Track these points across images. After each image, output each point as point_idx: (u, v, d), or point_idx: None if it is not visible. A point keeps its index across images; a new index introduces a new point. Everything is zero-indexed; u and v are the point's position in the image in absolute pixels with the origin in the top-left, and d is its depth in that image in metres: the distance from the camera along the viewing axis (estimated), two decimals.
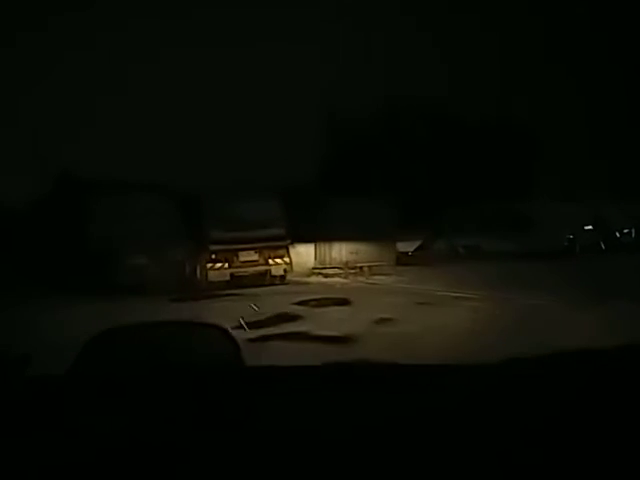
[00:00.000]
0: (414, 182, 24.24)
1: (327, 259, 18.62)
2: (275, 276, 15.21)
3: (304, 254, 18.27)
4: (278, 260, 15.31)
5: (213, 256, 14.47)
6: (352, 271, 16.35)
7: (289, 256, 15.62)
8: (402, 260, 20.13)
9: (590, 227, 23.20)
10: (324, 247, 18.72)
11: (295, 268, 17.18)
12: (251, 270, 14.97)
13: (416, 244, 21.83)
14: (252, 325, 8.16)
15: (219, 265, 14.52)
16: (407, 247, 21.53)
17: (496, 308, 9.28)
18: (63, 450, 0.94)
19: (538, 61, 28.43)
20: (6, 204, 15.00)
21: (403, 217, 20.19)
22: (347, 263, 18.48)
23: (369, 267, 17.78)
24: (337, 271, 16.68)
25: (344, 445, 0.94)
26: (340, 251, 18.70)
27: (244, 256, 14.92)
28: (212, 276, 14.37)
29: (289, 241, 15.60)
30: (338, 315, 9.02)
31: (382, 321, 8.42)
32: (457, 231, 22.10)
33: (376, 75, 25.16)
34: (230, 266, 14.65)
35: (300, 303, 10.60)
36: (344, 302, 10.59)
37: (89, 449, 0.93)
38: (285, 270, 15.40)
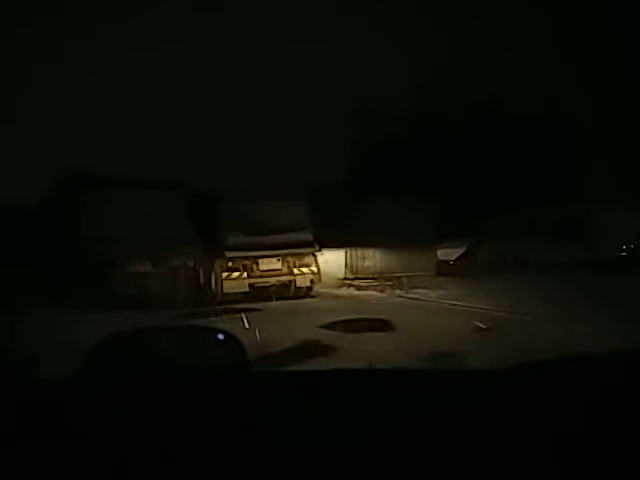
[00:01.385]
0: (454, 183, 21.78)
1: (360, 268, 16.40)
2: (300, 288, 13.04)
3: (334, 262, 16.09)
4: (304, 269, 13.15)
5: (230, 264, 12.40)
6: (388, 283, 14.09)
7: (317, 265, 13.45)
8: (443, 270, 17.86)
9: None
10: (356, 255, 16.51)
11: (323, 278, 14.99)
12: (273, 280, 12.84)
13: (457, 252, 19.45)
14: (265, 360, 5.96)
15: (236, 274, 12.43)
16: (447, 255, 19.23)
17: (586, 338, 6.88)
18: (68, 455, 0.92)
19: (592, 48, 25.69)
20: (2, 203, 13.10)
21: (442, 222, 17.89)
22: (382, 273, 16.25)
23: (407, 278, 15.51)
24: (371, 282, 14.43)
25: (351, 450, 0.93)
26: (374, 259, 16.49)
27: (265, 264, 12.82)
28: (228, 287, 12.28)
29: (317, 248, 13.44)
30: (379, 346, 6.79)
31: (440, 357, 6.18)
32: (504, 238, 19.62)
33: (413, 67, 22.85)
34: (249, 275, 12.56)
35: (329, 326, 8.40)
36: (385, 326, 8.36)
37: (93, 454, 0.92)
38: (312, 281, 13.23)
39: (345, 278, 15.11)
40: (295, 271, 13.08)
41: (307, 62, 23.73)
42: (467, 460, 0.88)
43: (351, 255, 16.49)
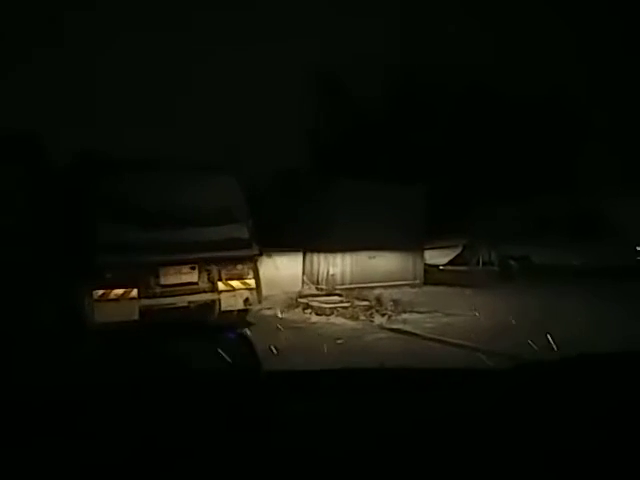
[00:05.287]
0: (440, 169, 16.95)
1: (323, 278, 11.49)
2: (228, 311, 8.05)
3: (287, 270, 11.14)
4: (235, 283, 8.16)
5: (107, 276, 7.33)
6: (363, 302, 9.16)
7: (256, 276, 8.47)
8: (432, 277, 13.13)
9: None
10: (318, 260, 11.61)
11: (272, 292, 10.04)
12: (183, 301, 7.83)
13: (449, 254, 14.73)
14: None
15: (119, 293, 7.38)
16: (437, 258, 14.51)
17: None
18: (78, 455, 0.88)
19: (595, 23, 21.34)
20: None
21: (431, 215, 13.16)
22: (354, 284, 11.38)
23: (389, 292, 10.68)
24: (338, 301, 9.49)
25: (363, 449, 0.90)
26: (343, 265, 11.60)
27: (170, 276, 7.79)
28: (102, 314, 7.19)
29: (256, 250, 8.46)
30: None
31: None
32: (503, 237, 14.95)
33: (394, 33, 17.97)
34: (143, 294, 7.52)
35: None
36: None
37: (102, 453, 0.88)
38: (247, 300, 8.22)
39: (301, 295, 10.14)
40: (221, 286, 8.07)
41: (269, 31, 18.70)
42: (471, 459, 0.85)
43: (312, 261, 11.59)
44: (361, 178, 12.76)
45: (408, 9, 18.50)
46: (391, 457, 0.87)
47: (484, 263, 13.85)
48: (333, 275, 11.39)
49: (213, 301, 8.01)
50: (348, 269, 11.59)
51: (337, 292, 10.19)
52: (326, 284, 11.32)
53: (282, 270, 10.94)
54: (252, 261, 8.44)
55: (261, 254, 8.93)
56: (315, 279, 11.49)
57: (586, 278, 12.92)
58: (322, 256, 11.47)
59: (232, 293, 8.12)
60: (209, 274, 8.03)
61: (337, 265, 11.47)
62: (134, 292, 7.46)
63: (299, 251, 11.37)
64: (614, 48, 21.07)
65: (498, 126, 17.71)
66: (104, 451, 0.88)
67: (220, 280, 8.08)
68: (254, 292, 8.29)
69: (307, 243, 11.32)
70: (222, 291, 8.06)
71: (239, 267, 8.20)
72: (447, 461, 0.85)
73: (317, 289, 11.13)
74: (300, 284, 11.20)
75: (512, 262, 14.51)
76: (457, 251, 14.59)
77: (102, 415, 0.95)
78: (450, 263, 14.22)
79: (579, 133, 19.92)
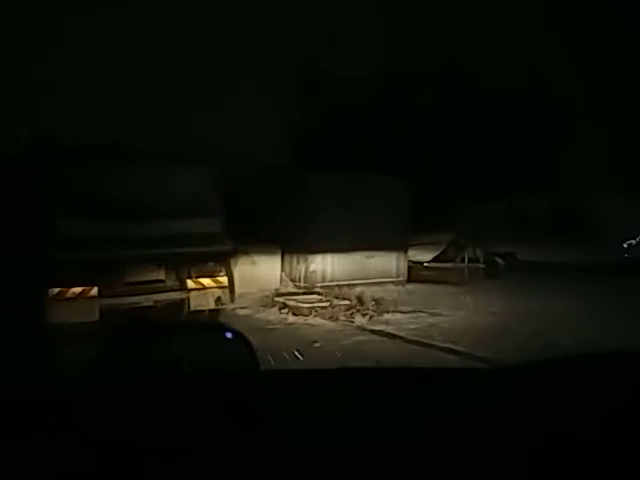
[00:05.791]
0: (424, 164, 16.48)
1: (303, 275, 10.94)
2: (198, 311, 7.46)
3: (266, 267, 10.57)
4: (206, 281, 7.57)
5: (66, 273, 6.70)
6: (344, 302, 8.61)
7: (229, 273, 7.88)
8: (416, 274, 12.67)
9: None
10: (298, 256, 11.05)
11: (246, 290, 9.48)
12: (148, 300, 7.21)
13: (433, 250, 14.27)
14: None
15: (76, 291, 6.75)
16: (420, 255, 14.06)
17: None
18: (76, 454, 0.87)
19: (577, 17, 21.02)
20: None
21: (414, 210, 12.69)
22: (335, 281, 10.84)
23: (371, 290, 10.15)
24: (316, 300, 8.92)
25: (362, 447, 0.89)
26: (324, 262, 11.05)
27: (135, 273, 7.18)
28: (59, 314, 6.56)
29: (229, 246, 7.86)
30: None
31: None
32: (488, 233, 14.54)
33: (376, 24, 17.41)
34: (103, 293, 6.90)
35: None
36: None
37: (100, 452, 0.87)
38: (219, 299, 7.63)
39: (278, 294, 9.55)
40: (190, 284, 7.48)
41: (249, 21, 18.02)
42: (470, 458, 0.84)
43: (291, 256, 11.02)
44: (343, 172, 12.21)
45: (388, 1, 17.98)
46: (390, 455, 0.86)
47: (469, 260, 13.40)
48: (313, 272, 10.84)
49: (181, 300, 7.42)
50: (329, 266, 11.05)
51: (316, 291, 9.62)
52: (306, 282, 10.77)
53: (260, 267, 10.36)
54: (225, 257, 7.86)
55: (235, 250, 8.34)
56: (295, 276, 10.93)
57: (573, 275, 12.62)
58: (302, 253, 10.90)
59: (202, 292, 7.54)
60: (177, 271, 7.43)
61: (317, 262, 10.91)
62: (94, 290, 6.84)
63: (278, 247, 10.80)
64: (599, 43, 20.78)
65: (483, 121, 17.26)
66: (97, 450, 0.86)
67: (189, 278, 7.48)
68: (226, 290, 7.71)
69: (286, 239, 10.75)
70: (191, 289, 7.47)
71: (210, 264, 7.61)
72: (446, 460, 0.83)
73: (297, 287, 10.57)
74: (279, 282, 10.63)
75: (498, 259, 14.08)
76: (442, 248, 14.15)
77: (97, 414, 0.92)
78: (435, 260, 13.77)
79: (565, 129, 19.57)
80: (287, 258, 11.02)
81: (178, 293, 7.41)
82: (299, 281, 10.81)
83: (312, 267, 10.81)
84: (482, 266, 13.17)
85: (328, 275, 11.01)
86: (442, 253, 13.99)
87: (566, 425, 0.90)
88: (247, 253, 10.12)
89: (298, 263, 10.96)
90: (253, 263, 10.21)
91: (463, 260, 13.18)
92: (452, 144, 17.35)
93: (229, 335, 1.06)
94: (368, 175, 12.07)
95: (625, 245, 15.66)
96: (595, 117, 19.48)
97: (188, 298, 7.43)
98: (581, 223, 15.12)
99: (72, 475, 0.83)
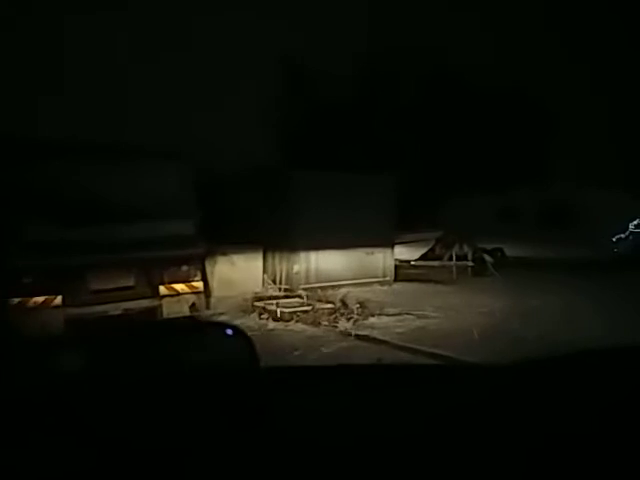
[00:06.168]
0: (410, 160, 16.11)
1: (286, 277, 10.50)
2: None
3: (246, 268, 10.12)
4: (179, 286, 7.11)
5: (26, 280, 6.20)
6: (327, 305, 8.18)
7: (204, 277, 7.43)
8: (403, 273, 12.32)
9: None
10: (281, 257, 10.61)
11: (226, 293, 9.04)
12: (117, 308, 6.74)
13: (420, 248, 13.94)
14: None
15: (39, 301, 6.26)
16: (407, 253, 13.73)
17: None
18: (75, 452, 0.85)
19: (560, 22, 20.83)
20: None
21: (400, 207, 12.32)
22: (319, 283, 10.43)
23: (356, 292, 9.76)
24: (299, 303, 8.48)
25: (362, 445, 0.88)
26: (308, 262, 10.63)
27: (101, 280, 6.71)
28: (20, 325, 6.05)
29: (204, 249, 7.41)
30: None
31: None
32: (476, 230, 14.23)
33: (360, 20, 16.97)
34: (68, 302, 6.42)
35: None
36: None
37: (99, 450, 0.85)
38: (193, 306, 7.18)
39: (257, 297, 9.09)
40: (162, 290, 7.02)
41: (232, 15, 17.50)
42: (469, 455, 0.83)
43: (274, 257, 10.58)
44: (326, 169, 11.79)
45: None
46: (389, 453, 0.85)
47: (457, 257, 13.04)
48: (297, 273, 10.40)
49: (153, 308, 6.95)
50: (313, 267, 10.61)
51: (298, 294, 9.19)
52: (289, 283, 10.33)
53: (240, 269, 9.90)
54: (200, 261, 7.40)
55: (211, 252, 7.89)
56: (278, 278, 10.48)
57: (564, 271, 12.41)
58: (285, 253, 10.47)
59: (176, 298, 7.09)
60: (148, 277, 6.97)
61: (301, 263, 10.47)
62: (58, 299, 6.36)
63: (260, 248, 10.34)
64: (584, 41, 20.57)
65: (470, 116, 16.92)
66: (96, 449, 0.84)
67: (161, 283, 7.02)
68: (202, 296, 7.26)
69: (269, 239, 10.31)
70: (164, 296, 7.03)
71: (184, 268, 7.16)
72: (445, 458, 0.83)
73: (280, 289, 10.13)
74: (260, 284, 10.18)
75: (486, 256, 13.74)
76: (429, 245, 13.79)
77: (100, 415, 0.90)
78: (422, 258, 13.41)
79: (552, 124, 19.33)
80: (269, 259, 10.57)
81: (149, 300, 6.95)
82: (282, 283, 10.37)
83: (295, 268, 10.37)
84: (471, 264, 12.82)
85: (312, 276, 10.58)
86: (430, 251, 13.65)
87: (565, 423, 0.89)
88: (226, 254, 9.66)
89: (281, 264, 10.52)
90: (233, 265, 9.75)
91: (451, 258, 12.83)
92: (439, 140, 17.02)
93: (229, 332, 1.05)
94: (354, 172, 11.65)
95: (614, 239, 15.46)
96: (582, 113, 19.27)
97: (160, 305, 6.97)
98: (569, 218, 14.89)
99: (71, 476, 0.81)
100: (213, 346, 1.02)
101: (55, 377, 0.99)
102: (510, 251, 14.85)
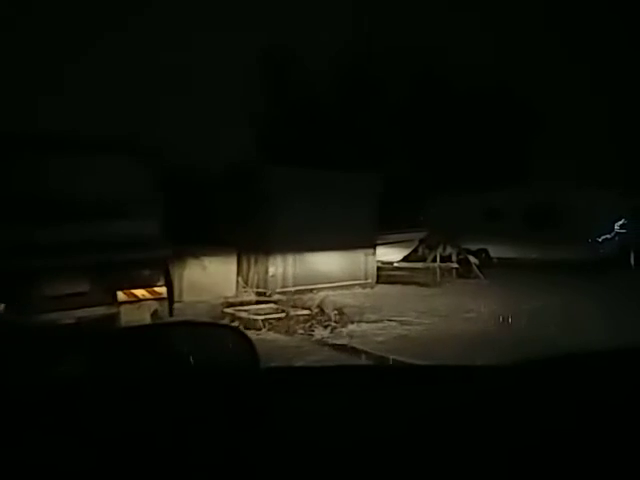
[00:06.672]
0: (394, 158, 15.60)
1: (261, 280, 9.89)
2: None
3: (217, 273, 9.49)
4: (139, 292, 6.46)
5: None
6: (303, 312, 7.58)
7: (168, 282, 6.78)
8: (385, 276, 11.82)
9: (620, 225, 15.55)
10: (256, 260, 9.99)
11: (196, 297, 8.41)
12: (70, 316, 6.05)
13: (403, 249, 13.43)
14: None
15: None
16: (390, 253, 13.23)
17: None
18: (75, 453, 0.84)
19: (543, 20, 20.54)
20: None
21: (381, 209, 11.80)
22: (296, 286, 9.83)
23: (335, 296, 9.18)
24: (272, 308, 7.87)
25: (362, 445, 0.87)
26: (284, 265, 10.02)
27: (51, 286, 6.02)
28: None
29: (168, 251, 6.76)
30: None
31: None
32: (461, 230, 13.77)
33: (345, 15, 16.42)
34: (10, 310, 5.73)
35: None
36: None
37: (99, 451, 0.84)
38: (155, 313, 6.53)
39: (228, 302, 8.45)
40: (121, 297, 6.36)
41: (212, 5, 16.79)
42: (469, 456, 0.83)
43: (249, 259, 9.94)
44: (306, 166, 11.21)
45: None
46: (390, 453, 0.84)
47: (442, 259, 12.53)
48: (273, 277, 9.79)
49: (111, 316, 6.28)
50: (291, 269, 10.01)
51: (272, 299, 8.57)
52: (265, 287, 9.71)
53: (212, 272, 9.26)
54: (163, 264, 6.75)
55: (180, 254, 7.24)
56: (252, 282, 9.86)
57: (550, 272, 12.05)
58: (261, 255, 9.84)
59: (136, 305, 6.43)
60: (105, 282, 6.30)
61: (278, 265, 9.85)
62: (1, 307, 5.67)
63: (233, 249, 9.71)
64: (568, 40, 20.29)
65: (454, 114, 16.46)
66: (96, 449, 0.82)
67: (120, 289, 6.36)
68: (165, 302, 6.61)
69: (243, 240, 9.67)
70: (122, 303, 6.36)
71: (145, 272, 6.50)
72: (445, 458, 0.82)
73: (254, 293, 9.52)
74: (234, 288, 9.55)
75: (471, 257, 13.26)
76: (413, 246, 13.29)
77: (97, 412, 0.89)
78: (405, 259, 12.90)
79: (537, 124, 18.98)
80: (244, 261, 9.94)
81: (106, 307, 6.28)
82: (257, 287, 9.75)
83: (271, 271, 9.75)
84: (455, 265, 12.32)
85: (290, 279, 9.97)
86: (413, 252, 13.16)
87: (565, 424, 0.87)
88: (197, 257, 9.02)
89: (257, 267, 9.89)
90: (204, 268, 9.11)
91: (435, 259, 12.32)
92: (425, 139, 16.54)
93: (229, 332, 1.06)
94: (335, 170, 11.08)
95: (600, 240, 15.11)
96: (567, 113, 18.97)
97: (118, 313, 6.31)
98: (555, 219, 14.49)
99: (70, 476, 0.80)
100: (213, 347, 1.01)
101: (54, 376, 0.97)
102: (495, 252, 14.45)
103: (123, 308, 6.34)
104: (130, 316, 6.36)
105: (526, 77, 18.82)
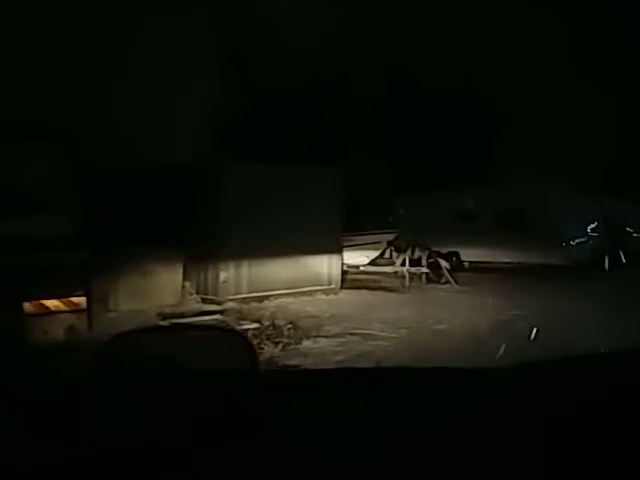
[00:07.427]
0: (360, 155, 14.73)
1: (212, 287, 8.83)
2: None
3: (161, 278, 8.39)
4: (52, 303, 5.36)
5: None
6: (253, 325, 6.55)
7: (88, 292, 5.69)
8: (351, 280, 10.95)
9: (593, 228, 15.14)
10: (206, 264, 8.92)
11: (134, 306, 7.33)
12: None
13: (370, 252, 12.56)
14: None
15: None
16: (356, 256, 12.35)
17: None
18: (75, 456, 0.84)
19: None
20: None
21: (346, 209, 10.92)
22: (251, 293, 8.81)
23: (294, 302, 8.22)
24: (216, 321, 6.81)
25: (362, 448, 0.86)
26: (237, 269, 8.98)
27: None
28: None
29: (85, 255, 5.66)
30: None
31: None
32: (431, 233, 12.99)
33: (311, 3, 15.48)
34: None
35: None
36: None
37: (99, 452, 0.83)
38: (71, 328, 5.44)
39: (164, 314, 7.37)
40: (28, 308, 5.24)
41: None
42: (470, 458, 0.82)
43: (198, 263, 8.86)
44: (264, 161, 10.20)
45: None
46: (390, 456, 0.83)
47: (411, 262, 11.67)
48: (225, 282, 8.73)
49: (12, 330, 5.15)
50: (245, 274, 8.97)
51: (220, 309, 7.54)
52: (216, 294, 8.67)
53: (154, 278, 8.17)
54: (83, 269, 5.65)
55: (116, 258, 6.16)
56: (201, 288, 8.79)
57: (524, 277, 11.40)
58: (211, 258, 8.78)
59: (47, 318, 5.32)
60: (8, 291, 5.17)
61: (230, 270, 8.81)
62: None
63: (180, 252, 8.62)
64: (544, 39, 19.84)
65: (424, 112, 15.71)
66: (96, 453, 0.82)
67: (28, 299, 5.25)
68: (84, 315, 5.51)
69: (192, 241, 8.60)
70: (30, 315, 5.24)
71: (59, 279, 5.39)
72: (447, 460, 0.82)
73: (203, 301, 8.47)
74: (179, 295, 8.46)
75: (442, 260, 12.44)
76: (380, 249, 12.43)
77: (97, 416, 0.87)
78: (372, 263, 12.02)
79: (509, 125, 18.42)
80: (193, 266, 8.86)
81: (8, 320, 5.15)
82: (208, 293, 8.69)
83: (223, 276, 8.70)
84: (425, 270, 11.49)
85: (244, 285, 8.94)
86: (381, 255, 12.30)
87: (566, 425, 0.87)
88: (137, 260, 7.91)
89: (206, 272, 8.83)
90: (145, 273, 8.01)
91: (404, 263, 11.45)
92: (392, 136, 15.71)
93: (228, 335, 1.05)
94: (297, 166, 10.09)
95: (573, 243, 14.53)
96: (540, 115, 18.47)
97: (23, 327, 5.19)
98: (527, 222, 13.86)
99: (70, 476, 0.80)
100: (212, 349, 0.97)
101: (55, 379, 0.98)
102: (466, 255, 13.75)
103: (30, 322, 5.23)
104: (39, 331, 5.26)
105: (496, 75, 18.26)
